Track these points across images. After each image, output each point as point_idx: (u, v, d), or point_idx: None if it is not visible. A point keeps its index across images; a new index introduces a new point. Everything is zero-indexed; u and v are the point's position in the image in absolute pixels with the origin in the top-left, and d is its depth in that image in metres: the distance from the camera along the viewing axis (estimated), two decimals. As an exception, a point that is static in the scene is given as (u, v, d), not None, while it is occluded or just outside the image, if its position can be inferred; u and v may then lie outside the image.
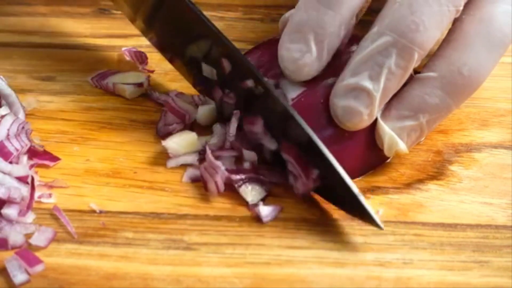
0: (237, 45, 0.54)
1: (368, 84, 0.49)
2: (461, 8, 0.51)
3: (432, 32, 0.49)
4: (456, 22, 0.52)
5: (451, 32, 0.52)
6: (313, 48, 0.50)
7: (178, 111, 0.55)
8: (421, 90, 0.51)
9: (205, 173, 0.51)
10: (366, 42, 0.49)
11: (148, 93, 0.59)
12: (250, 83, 0.51)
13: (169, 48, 0.57)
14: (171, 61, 0.58)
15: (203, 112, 0.55)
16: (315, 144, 0.48)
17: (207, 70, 0.54)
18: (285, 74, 0.51)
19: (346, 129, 0.50)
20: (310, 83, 0.51)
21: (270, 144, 0.51)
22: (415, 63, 0.49)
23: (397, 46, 0.49)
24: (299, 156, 0.49)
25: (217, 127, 0.54)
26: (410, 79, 0.51)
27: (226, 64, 0.52)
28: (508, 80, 0.62)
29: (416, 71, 0.51)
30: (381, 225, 0.47)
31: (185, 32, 0.55)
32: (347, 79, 0.49)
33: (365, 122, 0.50)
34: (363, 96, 0.49)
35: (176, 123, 0.55)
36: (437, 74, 0.51)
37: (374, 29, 0.49)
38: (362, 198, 0.47)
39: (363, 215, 0.48)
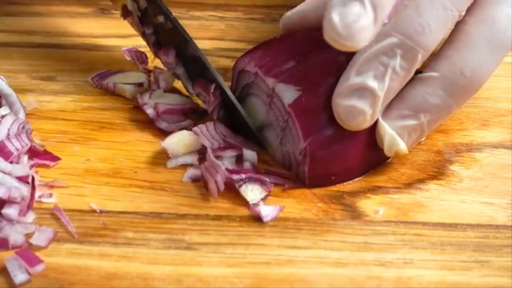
0: (237, 45, 0.54)
1: (373, 83, 0.49)
2: (464, 13, 0.51)
3: (436, 35, 0.49)
4: (458, 23, 0.52)
5: (453, 33, 0.52)
6: (369, 11, 0.46)
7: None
8: (423, 89, 0.51)
9: (206, 173, 0.51)
10: (371, 43, 0.49)
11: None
12: (161, 18, 0.57)
13: None
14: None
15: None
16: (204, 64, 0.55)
17: (130, 5, 0.60)
18: (336, 41, 0.46)
19: (348, 129, 0.50)
20: (309, 83, 0.51)
21: (179, 71, 0.58)
22: (418, 64, 0.50)
23: (403, 47, 0.49)
24: (204, 84, 0.56)
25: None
26: (412, 79, 0.51)
27: (142, 2, 0.58)
28: (509, 80, 0.62)
29: (417, 72, 0.51)
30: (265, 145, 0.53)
31: None
32: (351, 79, 0.49)
33: (368, 122, 0.49)
34: (367, 96, 0.49)
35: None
36: (439, 74, 0.51)
37: (380, 30, 0.49)
38: (249, 120, 0.54)
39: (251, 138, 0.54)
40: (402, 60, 0.49)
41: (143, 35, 0.61)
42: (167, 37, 0.58)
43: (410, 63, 0.49)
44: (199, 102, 0.59)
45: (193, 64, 0.56)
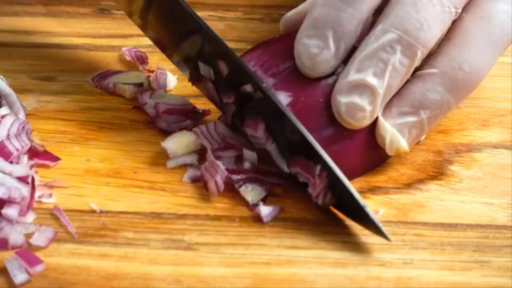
0: (237, 45, 0.54)
1: (372, 80, 0.49)
2: (460, 10, 0.51)
3: (434, 31, 0.50)
4: (456, 20, 0.52)
5: (451, 30, 0.52)
6: (331, 44, 0.50)
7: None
8: (422, 86, 0.51)
9: (205, 173, 0.51)
10: (370, 40, 0.49)
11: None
12: (248, 88, 0.51)
13: (165, 44, 0.57)
14: (169, 57, 0.58)
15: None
16: (317, 153, 0.48)
17: (204, 69, 0.53)
18: (301, 70, 0.51)
19: (348, 127, 0.50)
20: (308, 82, 0.51)
21: (270, 147, 0.51)
22: (417, 61, 0.50)
23: (402, 44, 0.49)
24: (304, 164, 0.49)
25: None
26: (411, 77, 0.51)
27: (223, 67, 0.52)
28: (508, 80, 0.62)
29: (416, 70, 0.51)
30: (389, 236, 0.47)
31: (178, 29, 0.54)
32: (351, 76, 0.49)
33: (368, 119, 0.50)
34: (367, 93, 0.49)
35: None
36: (438, 70, 0.51)
37: (378, 27, 0.50)
38: (368, 210, 0.47)
39: (370, 226, 0.48)
40: (402, 56, 0.49)
41: (219, 105, 0.55)
42: (255, 108, 0.51)
43: (409, 59, 0.49)
44: (199, 102, 0.59)
45: (288, 139, 0.50)
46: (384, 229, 0.47)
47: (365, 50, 0.49)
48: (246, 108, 0.52)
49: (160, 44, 0.58)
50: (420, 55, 0.50)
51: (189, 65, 0.55)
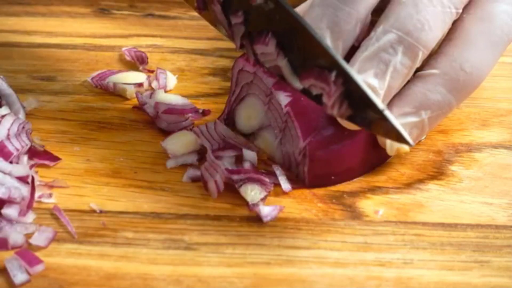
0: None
1: (373, 81, 0.49)
2: (460, 11, 0.51)
3: (435, 32, 0.50)
4: (457, 21, 0.52)
5: (452, 31, 0.52)
6: (329, 44, 0.49)
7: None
8: (423, 86, 0.51)
9: (205, 172, 0.51)
10: (371, 40, 0.49)
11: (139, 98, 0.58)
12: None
13: None
14: None
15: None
16: (334, 60, 0.46)
17: None
18: None
19: (349, 128, 0.50)
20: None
21: (281, 62, 0.49)
22: (418, 62, 0.50)
23: (403, 44, 0.49)
24: (318, 73, 0.47)
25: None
26: (412, 77, 0.51)
27: None
28: (508, 80, 0.62)
29: (417, 70, 0.51)
30: (410, 140, 0.45)
31: None
32: None
33: None
34: None
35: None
36: (439, 71, 0.51)
37: (380, 28, 0.50)
38: (387, 113, 0.45)
39: (389, 133, 0.46)
40: (403, 57, 0.49)
41: (228, 28, 0.52)
42: (265, 22, 0.49)
43: (410, 60, 0.49)
44: (199, 102, 0.59)
45: (301, 52, 0.48)
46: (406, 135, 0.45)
47: (366, 51, 0.49)
48: (256, 25, 0.50)
49: None
50: (421, 56, 0.50)
51: None
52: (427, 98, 0.51)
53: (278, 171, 0.52)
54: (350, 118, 0.47)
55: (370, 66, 0.49)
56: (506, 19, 0.52)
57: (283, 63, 0.49)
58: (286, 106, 0.50)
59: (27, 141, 0.52)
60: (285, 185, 0.51)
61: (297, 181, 0.52)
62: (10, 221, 0.48)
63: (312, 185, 0.51)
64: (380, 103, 0.45)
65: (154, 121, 0.56)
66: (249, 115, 0.54)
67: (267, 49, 0.49)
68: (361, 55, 0.49)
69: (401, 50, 0.49)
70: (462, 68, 0.51)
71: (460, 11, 0.51)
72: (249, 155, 0.53)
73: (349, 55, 0.50)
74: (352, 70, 0.46)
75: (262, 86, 0.53)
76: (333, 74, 0.46)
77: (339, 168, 0.51)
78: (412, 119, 0.51)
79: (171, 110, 0.56)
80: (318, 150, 0.50)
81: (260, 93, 0.53)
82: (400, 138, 0.46)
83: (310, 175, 0.51)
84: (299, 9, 0.55)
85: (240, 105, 0.55)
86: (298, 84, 0.49)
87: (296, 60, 0.49)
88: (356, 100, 0.46)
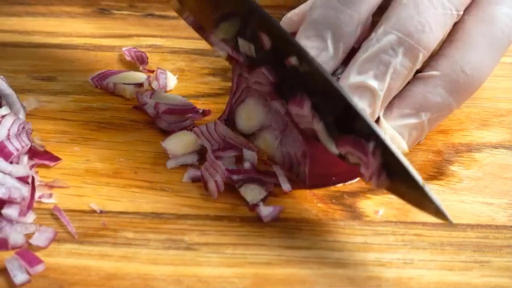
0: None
1: (373, 83, 0.49)
2: (461, 12, 0.51)
3: (436, 34, 0.50)
4: (457, 23, 0.52)
5: (453, 32, 0.52)
6: (330, 46, 0.50)
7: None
8: (424, 88, 0.51)
9: (205, 173, 0.51)
10: (372, 41, 0.49)
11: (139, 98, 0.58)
12: (293, 60, 0.48)
13: (204, 25, 0.54)
14: (207, 39, 0.55)
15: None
16: (372, 129, 0.45)
17: (244, 46, 0.51)
18: None
19: None
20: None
21: (317, 126, 0.48)
22: (418, 64, 0.50)
23: (404, 46, 0.49)
24: (355, 142, 0.46)
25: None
26: (412, 78, 0.51)
27: (266, 40, 0.49)
28: (508, 80, 0.62)
29: (417, 71, 0.51)
30: (450, 217, 0.44)
31: (219, 7, 0.52)
32: (352, 78, 0.49)
33: None
34: (368, 95, 0.49)
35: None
36: (439, 72, 0.51)
37: (380, 29, 0.50)
38: (427, 189, 0.44)
39: (427, 207, 0.45)
40: (403, 59, 0.49)
41: (254, 83, 0.51)
42: (299, 83, 0.48)
43: (411, 62, 0.49)
44: (199, 102, 0.59)
45: (336, 116, 0.47)
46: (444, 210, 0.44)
47: (366, 52, 0.49)
48: (289, 84, 0.49)
49: (198, 26, 0.55)
50: (421, 58, 0.50)
51: (228, 43, 0.53)
52: (427, 100, 0.51)
53: (278, 171, 0.52)
54: (388, 189, 0.46)
55: (370, 67, 0.49)
56: (507, 21, 0.52)
57: (318, 127, 0.48)
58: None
59: (27, 141, 0.52)
60: (285, 185, 0.51)
61: (298, 181, 0.52)
62: (10, 221, 0.48)
63: (313, 185, 0.51)
64: (419, 178, 0.44)
65: (154, 121, 0.56)
66: (249, 116, 0.54)
67: (302, 111, 0.48)
68: (361, 56, 0.49)
69: (402, 51, 0.49)
70: (462, 70, 0.51)
71: (461, 13, 0.51)
72: (249, 155, 0.53)
73: (349, 57, 0.50)
74: (390, 141, 0.45)
75: (261, 88, 0.53)
76: (371, 145, 0.45)
77: (340, 169, 0.51)
78: (412, 120, 0.51)
79: (172, 110, 0.56)
80: (319, 152, 0.50)
81: (260, 95, 0.53)
82: (439, 214, 0.44)
83: (310, 175, 0.51)
84: (299, 10, 0.55)
85: (240, 106, 0.55)
86: (334, 149, 0.48)
87: (332, 124, 0.48)
88: (395, 171, 0.45)
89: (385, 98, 0.50)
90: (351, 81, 0.49)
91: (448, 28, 0.51)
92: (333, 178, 0.52)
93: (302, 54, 0.47)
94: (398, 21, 0.49)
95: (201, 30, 0.55)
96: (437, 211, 0.44)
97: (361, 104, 0.49)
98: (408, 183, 0.45)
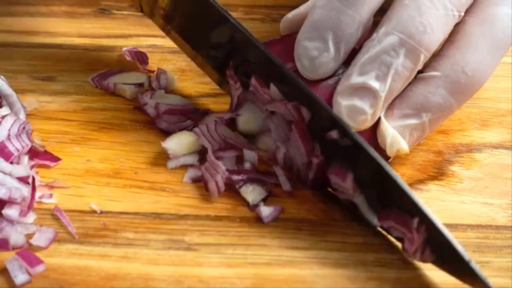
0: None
1: (374, 84, 0.49)
2: (463, 13, 0.52)
3: (437, 35, 0.50)
4: (459, 24, 0.52)
5: (454, 33, 0.52)
6: (331, 47, 0.50)
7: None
8: (425, 89, 0.51)
9: (206, 173, 0.51)
10: (373, 42, 0.50)
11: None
12: (334, 134, 0.48)
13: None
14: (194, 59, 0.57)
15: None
16: (417, 207, 0.45)
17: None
18: (301, 72, 0.51)
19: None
20: (311, 83, 0.51)
21: (358, 199, 0.48)
22: (420, 64, 0.50)
23: (405, 47, 0.49)
24: (398, 216, 0.46)
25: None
26: (413, 79, 0.51)
27: (305, 112, 0.50)
28: (509, 80, 0.62)
29: (418, 72, 0.51)
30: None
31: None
32: (353, 78, 0.49)
33: (369, 122, 0.50)
34: (369, 96, 0.49)
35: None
36: (441, 73, 0.51)
37: (382, 30, 0.50)
38: (473, 265, 0.43)
39: (475, 283, 0.44)
40: (405, 60, 0.49)
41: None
42: (341, 156, 0.48)
43: (412, 63, 0.49)
44: (199, 102, 0.59)
45: (378, 189, 0.47)
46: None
47: (368, 53, 0.49)
48: (330, 155, 0.49)
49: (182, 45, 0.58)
50: (422, 58, 0.50)
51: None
52: (428, 101, 0.51)
53: (279, 171, 0.52)
54: (433, 263, 0.46)
55: (372, 68, 0.49)
56: (508, 22, 0.52)
57: (359, 200, 0.48)
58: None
59: (28, 142, 0.52)
60: (286, 185, 0.51)
61: (298, 182, 0.52)
62: (10, 221, 0.48)
63: (314, 186, 0.51)
64: (465, 254, 0.43)
65: (155, 122, 0.56)
66: (248, 120, 0.54)
67: (344, 184, 0.48)
68: (362, 57, 0.49)
69: (403, 52, 0.49)
70: (463, 70, 0.51)
71: (462, 14, 0.51)
72: (250, 155, 0.53)
73: (350, 58, 0.50)
74: (436, 218, 0.44)
75: (259, 96, 0.53)
76: (416, 221, 0.44)
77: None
78: (413, 121, 0.51)
79: (172, 110, 0.56)
80: (322, 163, 0.50)
81: (257, 101, 0.53)
82: None
83: (313, 180, 0.51)
84: (299, 10, 0.55)
85: (239, 110, 0.55)
86: (376, 222, 0.47)
87: (373, 198, 0.47)
88: (439, 246, 0.44)
89: (386, 98, 0.50)
90: (352, 82, 0.49)
91: (450, 29, 0.51)
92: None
93: (343, 128, 0.47)
94: (399, 22, 0.49)
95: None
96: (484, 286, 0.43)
97: (362, 104, 0.49)
98: (453, 257, 0.44)
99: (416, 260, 0.46)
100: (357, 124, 0.49)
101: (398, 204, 0.46)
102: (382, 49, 0.49)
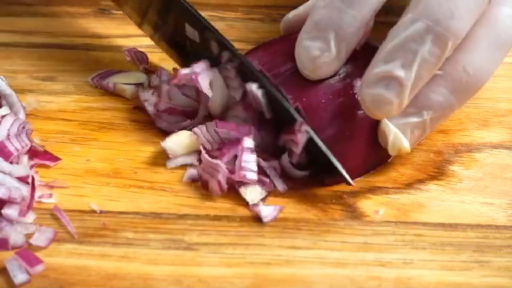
0: (238, 45, 0.54)
1: (400, 72, 0.48)
2: None
3: (467, 20, 0.49)
4: None
5: None
6: (333, 47, 0.49)
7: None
8: (426, 87, 0.51)
9: (203, 173, 0.51)
10: (399, 30, 0.48)
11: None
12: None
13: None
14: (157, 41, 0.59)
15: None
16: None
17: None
18: (302, 72, 0.51)
19: (374, 118, 0.49)
20: (309, 84, 0.51)
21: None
22: (448, 51, 0.49)
23: (432, 33, 0.48)
24: (288, 129, 0.50)
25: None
26: None
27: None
28: (509, 80, 0.62)
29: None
30: (350, 180, 0.49)
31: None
32: (378, 67, 0.48)
33: (395, 111, 0.49)
34: (394, 85, 0.48)
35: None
36: (442, 72, 0.51)
37: (407, 16, 0.48)
38: (329, 153, 0.49)
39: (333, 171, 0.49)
40: (432, 46, 0.48)
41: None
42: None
43: (440, 50, 0.48)
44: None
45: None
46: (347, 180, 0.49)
47: (394, 40, 0.48)
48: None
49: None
50: (450, 45, 0.48)
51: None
52: (429, 99, 0.51)
53: (272, 172, 0.52)
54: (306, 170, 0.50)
55: (397, 56, 0.48)
56: (510, 23, 0.52)
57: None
58: (294, 103, 0.50)
59: (27, 141, 0.52)
60: (280, 186, 0.51)
61: (297, 182, 0.52)
62: (10, 221, 0.48)
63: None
64: (324, 147, 0.49)
65: (154, 121, 0.56)
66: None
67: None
68: (387, 45, 0.48)
69: (430, 39, 0.48)
70: (465, 70, 0.51)
71: None
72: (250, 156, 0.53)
73: (351, 58, 0.50)
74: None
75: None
76: (298, 124, 0.49)
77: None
78: (414, 119, 0.51)
79: (172, 109, 0.56)
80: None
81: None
82: (343, 178, 0.50)
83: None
84: (299, 11, 0.55)
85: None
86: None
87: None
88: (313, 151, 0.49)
89: (413, 87, 0.48)
90: (377, 70, 0.48)
91: (479, 14, 0.50)
92: (351, 173, 0.51)
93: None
94: (426, 7, 0.48)
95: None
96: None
97: (388, 94, 0.48)
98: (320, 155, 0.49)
99: (294, 174, 0.51)
100: (383, 113, 0.49)
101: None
102: (408, 36, 0.48)
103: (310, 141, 0.50)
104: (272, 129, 0.52)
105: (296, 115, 0.49)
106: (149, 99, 0.57)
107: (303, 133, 0.49)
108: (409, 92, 0.49)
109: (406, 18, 0.49)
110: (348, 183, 0.50)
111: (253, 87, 0.51)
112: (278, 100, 0.50)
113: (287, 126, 0.50)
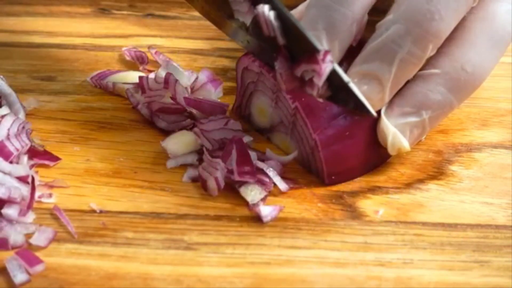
0: (238, 45, 0.54)
1: (379, 71, 0.49)
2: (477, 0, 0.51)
3: (447, 22, 0.49)
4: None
5: (454, 30, 0.52)
6: (325, 45, 0.49)
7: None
8: (424, 86, 0.51)
9: (203, 172, 0.51)
10: (381, 30, 0.49)
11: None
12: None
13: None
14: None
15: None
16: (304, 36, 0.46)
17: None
18: None
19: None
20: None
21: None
22: (429, 52, 0.50)
23: (411, 35, 0.49)
24: (308, 58, 0.47)
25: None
26: (413, 76, 0.51)
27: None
28: (508, 80, 0.62)
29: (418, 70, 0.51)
30: (373, 112, 0.48)
31: None
32: (359, 66, 0.49)
33: (376, 107, 0.49)
34: (374, 83, 0.49)
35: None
36: (440, 70, 0.51)
37: (390, 17, 0.50)
38: (352, 85, 0.47)
39: (356, 103, 0.47)
40: (412, 47, 0.49)
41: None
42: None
43: (420, 50, 0.49)
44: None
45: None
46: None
47: (375, 41, 0.49)
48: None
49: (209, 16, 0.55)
50: (432, 46, 0.49)
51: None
52: (428, 98, 0.51)
53: (272, 172, 0.52)
54: (328, 99, 0.48)
55: (377, 56, 0.49)
56: (508, 19, 0.52)
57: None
58: (293, 102, 0.50)
59: (27, 141, 0.52)
60: (282, 185, 0.51)
61: (297, 181, 0.52)
62: (10, 221, 0.48)
63: (331, 182, 0.51)
64: (345, 76, 0.47)
65: (154, 121, 0.56)
66: (261, 109, 0.54)
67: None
68: (369, 45, 0.49)
69: (410, 40, 0.49)
70: (463, 67, 0.51)
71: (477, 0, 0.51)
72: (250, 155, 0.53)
73: (347, 55, 0.50)
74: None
75: (269, 84, 0.53)
76: (321, 53, 0.46)
77: (340, 168, 0.51)
78: (413, 118, 0.51)
79: (165, 108, 0.56)
80: (320, 149, 0.50)
81: (267, 90, 0.53)
82: (366, 111, 0.47)
83: (327, 172, 0.51)
84: (297, 10, 0.55)
85: (250, 100, 0.55)
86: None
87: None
88: (335, 84, 0.47)
89: (393, 85, 0.49)
90: (357, 69, 0.49)
91: (463, 13, 0.51)
92: (333, 178, 0.51)
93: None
94: (407, 9, 0.49)
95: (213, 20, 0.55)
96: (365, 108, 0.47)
97: (368, 91, 0.49)
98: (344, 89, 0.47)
99: (317, 97, 0.47)
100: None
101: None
102: (389, 36, 0.49)
103: (333, 73, 0.47)
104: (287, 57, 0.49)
105: (316, 43, 0.47)
106: (140, 100, 0.57)
107: (327, 63, 0.46)
108: (389, 90, 0.49)
109: (387, 19, 0.50)
110: (371, 115, 0.48)
111: (265, 8, 0.47)
112: (294, 23, 0.47)
113: (305, 55, 0.47)
